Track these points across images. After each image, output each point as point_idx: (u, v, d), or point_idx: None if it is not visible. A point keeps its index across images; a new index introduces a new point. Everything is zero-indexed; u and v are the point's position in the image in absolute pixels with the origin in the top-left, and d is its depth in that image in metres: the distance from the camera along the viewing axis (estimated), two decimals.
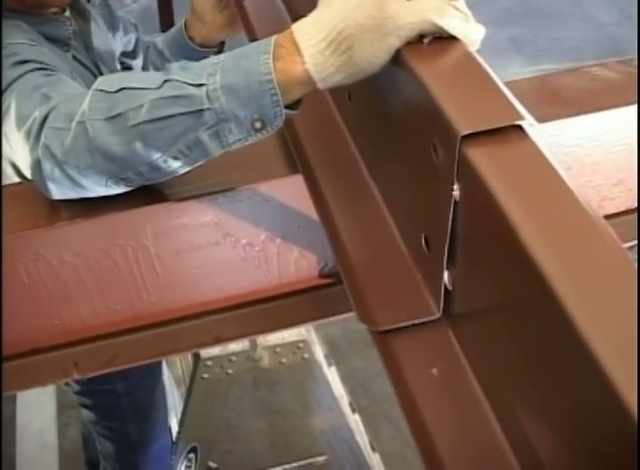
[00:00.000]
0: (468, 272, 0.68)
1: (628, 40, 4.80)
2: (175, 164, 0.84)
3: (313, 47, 0.75)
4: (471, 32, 0.74)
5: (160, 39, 1.71)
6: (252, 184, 0.94)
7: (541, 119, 0.98)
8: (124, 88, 0.83)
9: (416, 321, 0.74)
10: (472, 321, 0.70)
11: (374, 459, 2.08)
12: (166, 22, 2.40)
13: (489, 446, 0.65)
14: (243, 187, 0.94)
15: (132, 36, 1.68)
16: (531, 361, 0.58)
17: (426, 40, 0.74)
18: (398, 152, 0.80)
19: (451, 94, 0.67)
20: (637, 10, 3.73)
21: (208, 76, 0.79)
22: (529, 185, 0.59)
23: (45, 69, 1.07)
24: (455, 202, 0.65)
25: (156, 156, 0.83)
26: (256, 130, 0.80)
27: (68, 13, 1.37)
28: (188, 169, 0.86)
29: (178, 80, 0.80)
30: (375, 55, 0.74)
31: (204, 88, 0.78)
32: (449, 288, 0.71)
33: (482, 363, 0.68)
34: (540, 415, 0.58)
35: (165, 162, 0.83)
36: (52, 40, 1.30)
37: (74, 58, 1.36)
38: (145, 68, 1.71)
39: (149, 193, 0.92)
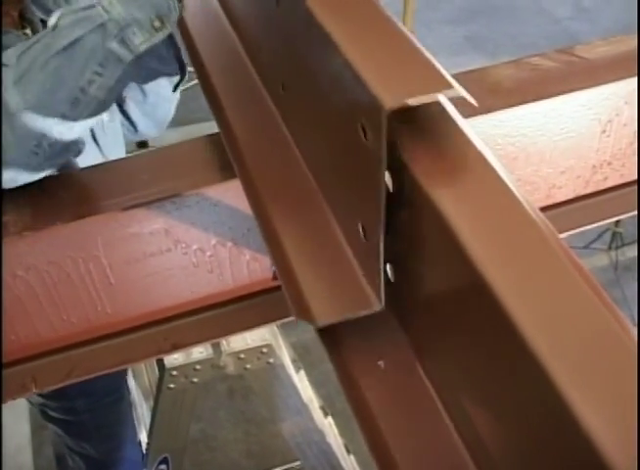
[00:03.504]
0: (408, 263, 0.66)
1: (584, 32, 4.87)
2: (93, 88, 0.88)
3: None
4: None
5: None
6: (199, 189, 0.94)
7: (484, 110, 1.00)
8: (22, 53, 0.88)
9: (356, 315, 0.70)
10: (418, 314, 0.68)
11: (349, 461, 2.07)
12: None
13: (442, 443, 0.64)
14: (190, 192, 0.94)
15: None
16: (474, 356, 0.57)
17: None
18: (329, 134, 0.75)
19: (372, 63, 0.60)
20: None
21: None
22: (458, 171, 0.57)
23: None
24: (388, 190, 0.61)
25: (72, 85, 0.87)
26: (157, 29, 0.86)
27: (29, 31, 1.35)
28: (106, 94, 0.89)
29: (71, 11, 0.87)
30: None
31: (98, 6, 0.86)
32: (392, 280, 0.68)
33: (432, 358, 0.67)
34: (486, 410, 0.57)
35: (83, 90, 0.87)
36: None
37: None
38: None
39: (93, 202, 0.92)
